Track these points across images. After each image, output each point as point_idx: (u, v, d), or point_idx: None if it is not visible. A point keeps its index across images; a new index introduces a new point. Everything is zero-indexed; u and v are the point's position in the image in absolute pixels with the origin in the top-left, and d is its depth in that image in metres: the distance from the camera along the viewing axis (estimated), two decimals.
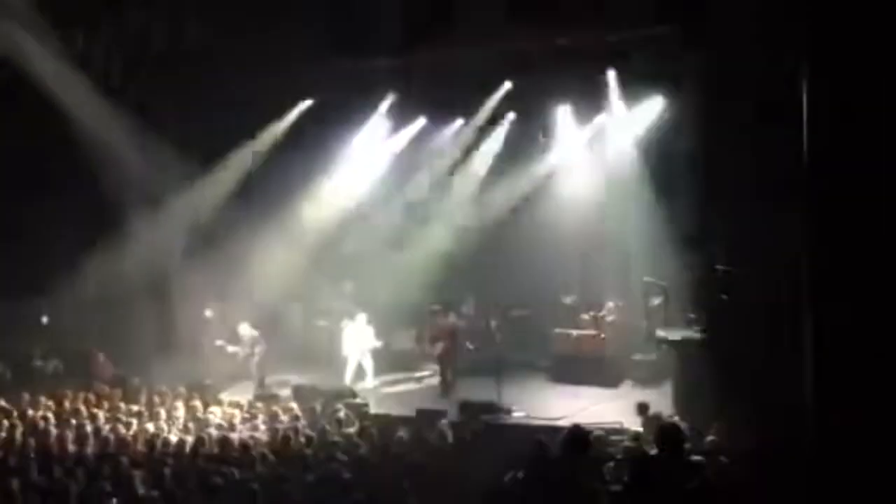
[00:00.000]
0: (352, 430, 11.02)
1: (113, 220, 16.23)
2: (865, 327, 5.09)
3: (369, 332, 15.26)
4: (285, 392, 13.94)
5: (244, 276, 16.41)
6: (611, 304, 15.71)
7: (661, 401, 12.03)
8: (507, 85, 15.73)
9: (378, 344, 15.22)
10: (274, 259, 16.39)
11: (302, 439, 10.28)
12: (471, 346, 15.51)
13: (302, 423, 11.32)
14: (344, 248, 17.10)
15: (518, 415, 13.14)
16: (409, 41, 14.61)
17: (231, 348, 15.33)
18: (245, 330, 15.35)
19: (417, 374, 15.97)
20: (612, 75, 15.01)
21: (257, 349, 15.17)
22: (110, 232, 16.00)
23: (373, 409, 13.34)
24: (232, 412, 11.97)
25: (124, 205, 16.33)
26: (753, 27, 10.40)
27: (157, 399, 12.60)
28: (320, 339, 16.46)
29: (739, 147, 10.85)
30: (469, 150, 17.11)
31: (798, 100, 5.76)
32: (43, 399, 12.25)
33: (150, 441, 10.31)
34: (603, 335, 15.24)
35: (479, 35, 14.09)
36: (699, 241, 12.33)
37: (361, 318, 15.34)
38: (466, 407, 13.00)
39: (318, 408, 12.17)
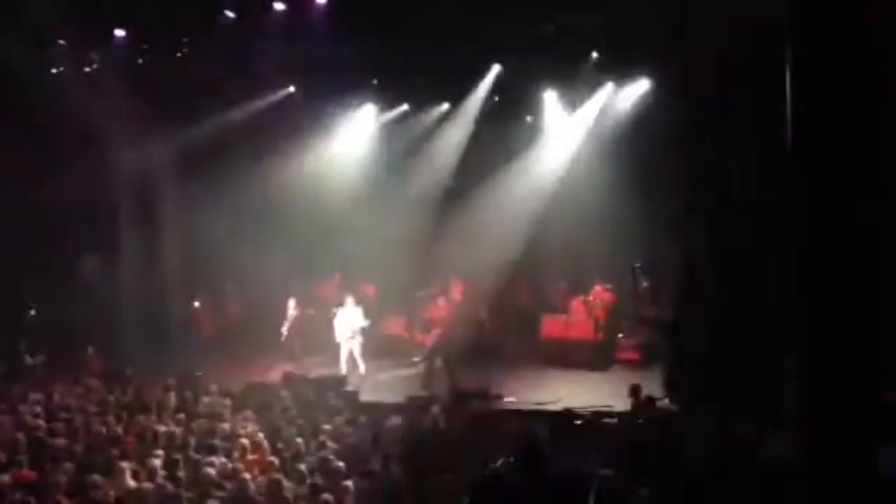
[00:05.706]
0: (342, 418, 11.03)
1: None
2: (857, 312, 5.06)
3: (357, 314, 15.14)
4: (276, 381, 13.90)
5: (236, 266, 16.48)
6: (599, 288, 15.71)
7: (651, 383, 12.07)
8: (495, 69, 15.71)
9: (366, 324, 15.08)
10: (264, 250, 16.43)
11: (293, 429, 10.29)
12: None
13: (293, 411, 11.32)
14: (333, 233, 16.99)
15: (509, 400, 13.17)
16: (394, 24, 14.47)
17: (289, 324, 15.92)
18: (292, 308, 15.95)
19: (411, 360, 15.91)
20: (596, 58, 14.97)
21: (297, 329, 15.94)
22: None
23: (365, 397, 13.34)
24: (223, 402, 11.95)
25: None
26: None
27: (146, 391, 12.56)
28: (311, 327, 16.41)
29: (724, 131, 10.86)
30: (452, 134, 17.06)
31: (783, 84, 5.73)
32: (32, 393, 12.20)
33: (141, 433, 10.29)
34: (592, 319, 15.27)
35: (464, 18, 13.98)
36: (682, 225, 12.39)
37: (349, 301, 15.25)
38: (458, 393, 13.02)
39: (309, 396, 12.17)
